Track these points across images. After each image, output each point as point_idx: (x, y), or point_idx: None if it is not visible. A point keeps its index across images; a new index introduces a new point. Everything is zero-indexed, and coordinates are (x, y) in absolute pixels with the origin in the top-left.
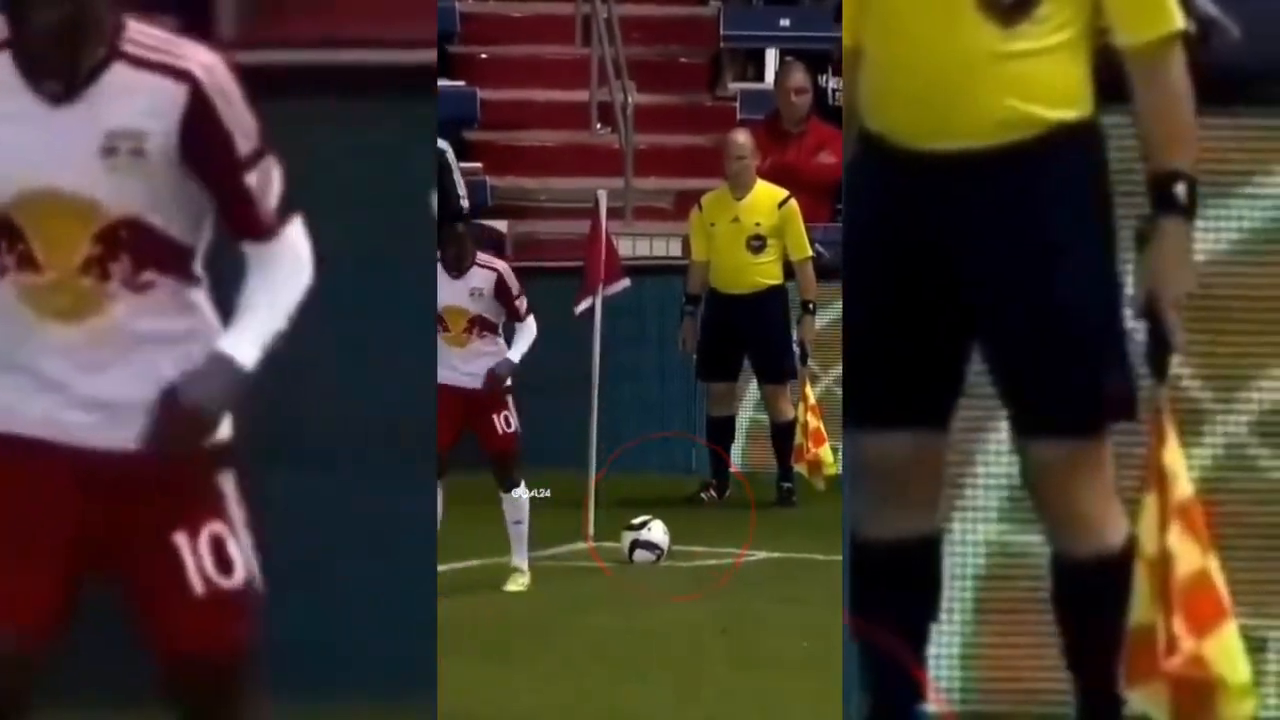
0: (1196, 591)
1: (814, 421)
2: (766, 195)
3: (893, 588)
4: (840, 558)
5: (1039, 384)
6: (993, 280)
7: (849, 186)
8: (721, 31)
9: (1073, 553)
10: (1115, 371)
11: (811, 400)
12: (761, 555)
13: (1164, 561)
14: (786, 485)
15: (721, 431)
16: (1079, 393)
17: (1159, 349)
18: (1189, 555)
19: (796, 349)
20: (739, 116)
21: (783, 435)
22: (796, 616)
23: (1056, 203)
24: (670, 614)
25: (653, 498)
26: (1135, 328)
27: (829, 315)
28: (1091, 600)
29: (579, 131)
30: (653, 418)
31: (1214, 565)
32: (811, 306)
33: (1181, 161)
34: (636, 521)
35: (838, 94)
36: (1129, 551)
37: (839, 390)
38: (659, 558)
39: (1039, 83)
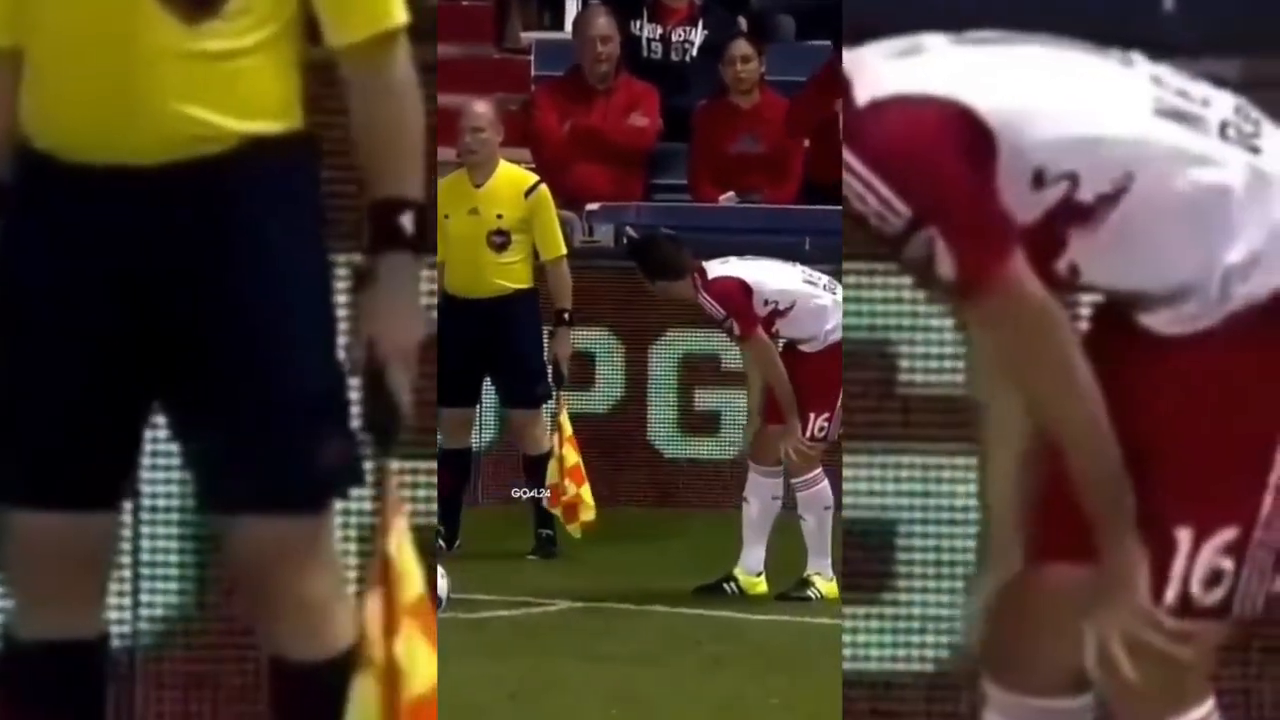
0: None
1: (573, 456)
2: (511, 181)
3: (46, 698)
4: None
5: (240, 452)
6: (177, 331)
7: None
8: None
9: (293, 654)
10: (335, 432)
11: (568, 430)
12: (563, 605)
13: (392, 674)
14: (545, 533)
15: (454, 467)
16: (291, 459)
17: (379, 410)
18: (422, 667)
19: (550, 367)
20: (533, 72)
21: (540, 470)
22: (600, 678)
23: (252, 232)
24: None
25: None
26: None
27: None
28: (316, 713)
29: None
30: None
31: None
32: (567, 316)
33: (409, 186)
34: None
35: (653, 44)
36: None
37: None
38: (438, 608)
39: (230, 89)
